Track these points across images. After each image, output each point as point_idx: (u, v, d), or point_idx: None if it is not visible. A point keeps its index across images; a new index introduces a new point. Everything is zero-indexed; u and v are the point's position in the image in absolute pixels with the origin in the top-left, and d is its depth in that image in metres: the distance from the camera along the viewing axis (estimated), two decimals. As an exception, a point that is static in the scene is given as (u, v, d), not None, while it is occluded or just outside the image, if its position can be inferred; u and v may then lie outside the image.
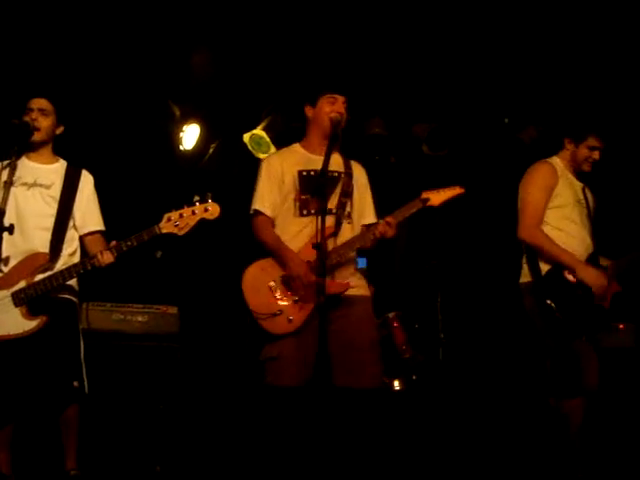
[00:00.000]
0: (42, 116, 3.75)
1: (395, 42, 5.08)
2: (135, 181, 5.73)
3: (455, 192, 3.68)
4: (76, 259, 3.80)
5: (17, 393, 3.59)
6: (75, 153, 4.02)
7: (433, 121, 5.84)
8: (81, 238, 3.85)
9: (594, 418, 3.94)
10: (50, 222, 3.73)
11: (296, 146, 3.86)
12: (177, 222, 3.54)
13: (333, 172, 3.68)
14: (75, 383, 3.61)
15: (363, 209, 3.76)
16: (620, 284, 3.98)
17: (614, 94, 5.19)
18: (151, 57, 5.22)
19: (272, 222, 3.72)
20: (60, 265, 3.69)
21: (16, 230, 3.56)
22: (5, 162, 3.66)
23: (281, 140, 5.70)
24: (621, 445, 4.56)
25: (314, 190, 3.61)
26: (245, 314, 3.63)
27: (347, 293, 3.58)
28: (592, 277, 3.88)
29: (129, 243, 3.57)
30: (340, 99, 3.71)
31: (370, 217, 3.78)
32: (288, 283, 3.58)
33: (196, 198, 3.56)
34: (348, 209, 3.67)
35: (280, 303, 3.56)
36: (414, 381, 5.27)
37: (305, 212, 3.65)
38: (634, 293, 5.37)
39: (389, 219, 3.52)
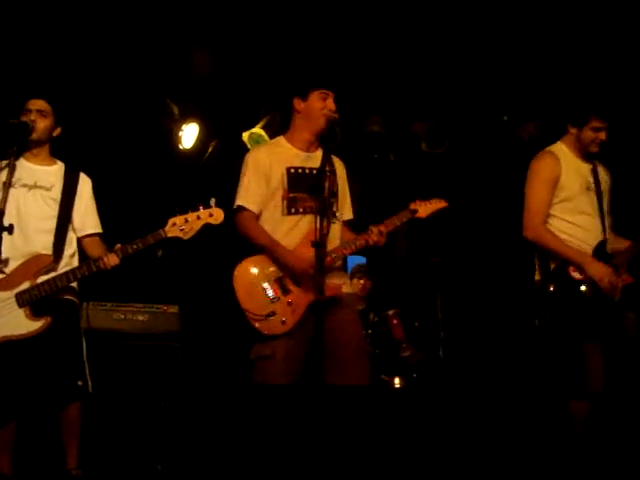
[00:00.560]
0: (40, 117, 3.75)
1: (394, 40, 5.08)
2: (134, 180, 5.73)
3: (440, 205, 3.82)
4: (75, 261, 3.82)
5: (21, 393, 3.61)
6: (74, 152, 4.02)
7: (432, 119, 5.84)
8: (79, 240, 3.86)
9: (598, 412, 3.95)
10: (52, 224, 3.74)
11: (281, 140, 3.76)
12: (182, 227, 3.59)
13: (313, 169, 3.62)
14: (79, 382, 3.63)
15: (343, 206, 3.74)
16: (632, 272, 3.89)
17: (612, 76, 5.18)
18: (149, 56, 5.21)
19: (257, 218, 3.64)
20: (62, 266, 3.71)
21: (17, 232, 3.57)
22: (4, 162, 3.67)
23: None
24: (623, 442, 4.56)
25: (306, 189, 3.58)
26: (240, 312, 3.65)
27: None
28: (599, 272, 3.80)
29: (135, 246, 3.60)
30: (331, 95, 3.65)
31: (348, 213, 3.79)
32: (282, 284, 3.57)
33: (200, 203, 3.61)
34: (334, 208, 3.63)
35: (274, 304, 3.55)
36: (414, 379, 5.28)
37: (293, 210, 3.61)
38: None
39: (382, 228, 3.55)
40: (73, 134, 4.01)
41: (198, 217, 3.59)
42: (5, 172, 3.58)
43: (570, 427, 3.87)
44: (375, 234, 3.53)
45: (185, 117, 5.83)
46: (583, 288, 3.82)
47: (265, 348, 3.55)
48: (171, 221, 3.60)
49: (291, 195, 3.61)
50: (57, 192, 3.79)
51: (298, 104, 3.67)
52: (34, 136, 3.73)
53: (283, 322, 3.52)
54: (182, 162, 5.98)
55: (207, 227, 3.63)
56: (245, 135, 5.75)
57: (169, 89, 5.66)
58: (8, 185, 3.56)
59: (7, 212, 3.49)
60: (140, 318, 5.01)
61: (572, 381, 3.83)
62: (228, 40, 5.14)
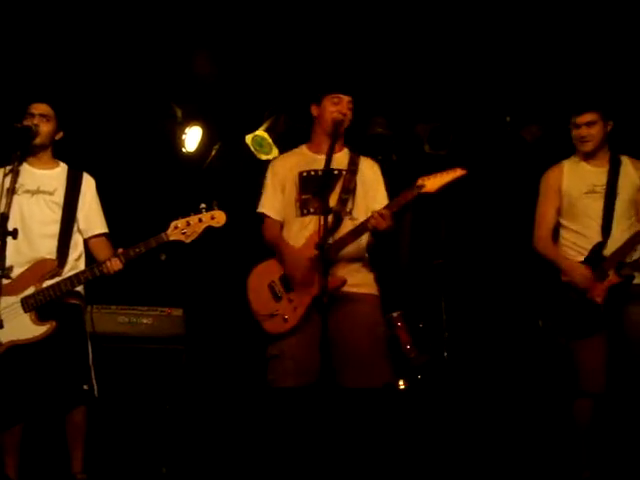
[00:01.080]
0: (44, 121, 3.76)
1: (397, 42, 5.08)
2: (137, 183, 5.74)
3: (454, 175, 3.52)
4: (81, 264, 3.83)
5: (26, 397, 3.62)
6: (77, 156, 4.04)
7: (435, 120, 5.84)
8: (86, 242, 3.88)
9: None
10: (55, 228, 3.75)
11: (302, 147, 3.90)
12: (184, 230, 3.59)
13: (333, 170, 3.68)
14: (85, 386, 3.64)
15: (372, 204, 3.71)
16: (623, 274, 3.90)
17: (615, 76, 5.17)
18: (153, 59, 5.22)
19: (280, 224, 3.77)
20: (67, 270, 3.72)
21: (22, 237, 3.57)
22: (7, 168, 3.68)
23: (283, 141, 5.70)
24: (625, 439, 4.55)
25: (314, 190, 3.66)
26: (249, 314, 3.68)
27: (349, 290, 3.59)
28: (574, 273, 3.91)
29: (137, 250, 3.61)
30: (345, 99, 3.74)
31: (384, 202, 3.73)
32: (286, 283, 3.62)
33: (202, 206, 3.60)
34: (350, 206, 3.68)
35: (277, 303, 3.61)
36: (418, 381, 5.27)
37: (305, 211, 3.69)
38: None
39: (382, 210, 3.49)
40: (77, 137, 4.02)
41: (200, 220, 3.60)
42: (9, 177, 3.59)
43: (574, 426, 3.88)
44: (374, 217, 3.48)
45: (188, 120, 5.83)
46: (570, 291, 3.93)
47: (274, 348, 3.62)
48: (173, 224, 3.61)
49: (303, 197, 3.71)
50: (60, 195, 3.81)
51: (314, 110, 3.81)
52: (37, 141, 3.75)
53: (285, 320, 3.57)
54: (185, 165, 5.98)
55: (210, 230, 3.64)
56: (248, 138, 5.75)
57: (172, 92, 5.67)
58: (12, 191, 3.57)
59: (11, 218, 3.49)
60: (144, 321, 5.01)
61: (571, 380, 3.90)
62: (231, 43, 5.14)
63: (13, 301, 3.59)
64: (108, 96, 5.40)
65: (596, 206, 4.00)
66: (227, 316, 5.55)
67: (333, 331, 3.40)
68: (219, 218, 3.60)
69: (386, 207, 3.52)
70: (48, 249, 3.72)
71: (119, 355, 4.85)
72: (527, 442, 4.68)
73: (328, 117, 3.71)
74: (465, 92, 5.56)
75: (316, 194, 3.62)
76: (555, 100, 5.37)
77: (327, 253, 3.33)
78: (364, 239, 3.68)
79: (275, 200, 3.79)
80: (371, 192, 3.76)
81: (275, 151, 5.71)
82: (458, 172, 3.52)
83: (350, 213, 3.67)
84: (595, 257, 3.94)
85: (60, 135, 3.88)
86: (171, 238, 3.60)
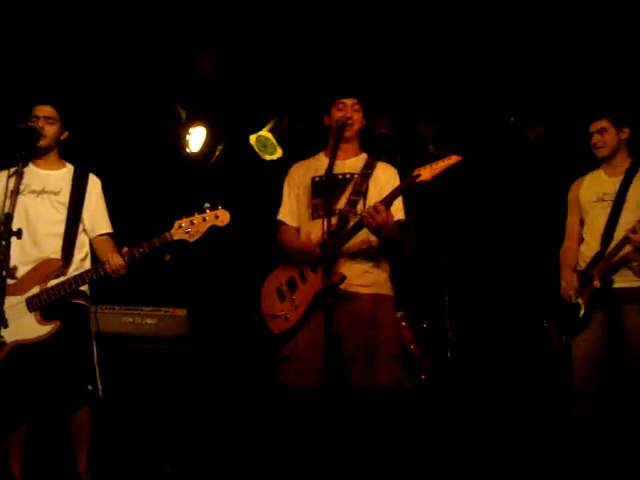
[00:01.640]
0: (48, 123, 3.78)
1: (400, 43, 5.07)
2: (142, 184, 5.75)
3: (449, 162, 3.51)
4: (87, 264, 3.84)
5: (32, 397, 3.63)
6: (82, 157, 4.05)
7: (438, 120, 5.84)
8: (91, 242, 3.90)
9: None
10: (60, 228, 3.77)
11: (320, 154, 3.94)
12: (188, 229, 3.59)
13: (345, 174, 3.74)
14: (89, 386, 3.65)
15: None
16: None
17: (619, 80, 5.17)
18: (157, 60, 5.22)
19: (296, 230, 3.83)
20: (72, 270, 3.73)
21: (27, 237, 3.61)
22: (12, 169, 3.68)
23: (287, 141, 5.71)
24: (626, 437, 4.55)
25: (320, 193, 3.70)
26: (253, 315, 3.71)
27: (359, 291, 3.62)
28: (562, 280, 4.15)
29: (141, 249, 3.61)
30: (349, 102, 3.79)
31: (398, 214, 3.75)
32: (292, 284, 3.66)
33: (206, 205, 3.60)
34: (360, 208, 3.69)
35: (282, 304, 3.66)
36: (423, 381, 5.27)
37: (315, 215, 3.73)
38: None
39: (376, 204, 3.50)
40: (82, 138, 4.03)
41: (204, 219, 3.60)
42: (14, 178, 3.60)
43: (575, 425, 3.91)
44: (366, 212, 3.50)
45: (192, 121, 5.83)
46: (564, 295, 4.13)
47: (285, 349, 3.66)
48: (177, 224, 3.61)
49: (314, 202, 3.76)
50: (65, 196, 3.82)
51: (326, 120, 3.87)
52: (43, 143, 3.76)
53: (287, 318, 3.63)
54: (189, 166, 5.99)
55: (214, 229, 3.64)
56: (252, 138, 5.75)
57: (176, 93, 5.67)
58: (16, 191, 3.59)
59: (17, 218, 3.54)
60: (149, 322, 5.01)
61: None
62: (235, 43, 5.14)
63: (18, 301, 3.61)
64: (112, 97, 5.41)
65: (603, 214, 4.05)
66: (231, 317, 5.56)
67: (342, 331, 3.47)
68: (223, 217, 3.60)
69: (381, 201, 3.53)
70: (53, 249, 3.73)
71: (123, 355, 4.85)
72: (531, 442, 4.68)
73: (334, 123, 3.75)
74: (469, 92, 5.56)
75: (321, 197, 3.65)
76: (559, 100, 5.37)
77: (329, 251, 3.34)
78: (375, 239, 3.68)
79: (290, 207, 3.86)
80: (384, 195, 3.73)
81: (279, 151, 5.71)
82: (453, 159, 3.52)
83: (358, 214, 3.68)
84: (593, 264, 4.03)
85: (65, 135, 3.89)
86: (175, 238, 3.60)
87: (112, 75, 5.26)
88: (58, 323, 3.61)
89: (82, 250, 3.84)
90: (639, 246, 3.86)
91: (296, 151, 4.31)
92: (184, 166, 5.98)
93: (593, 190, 4.15)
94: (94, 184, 3.93)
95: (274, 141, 5.71)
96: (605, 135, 4.09)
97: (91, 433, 3.72)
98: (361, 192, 3.71)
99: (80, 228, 3.83)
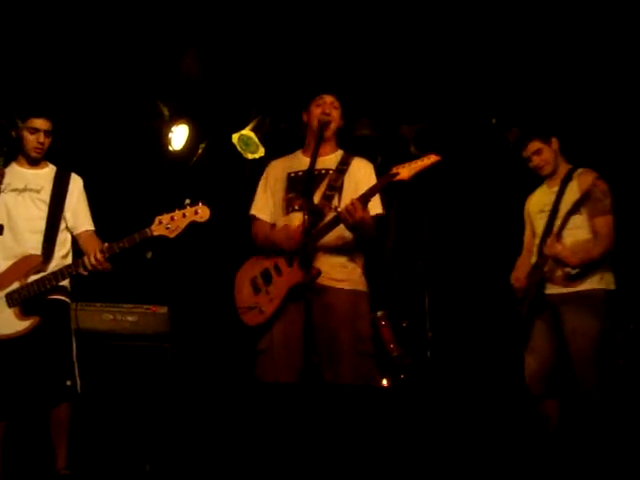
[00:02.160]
0: (47, 137, 3.85)
1: (383, 43, 5.10)
2: (124, 182, 5.74)
3: (428, 162, 3.50)
4: (69, 261, 3.86)
5: (10, 392, 3.64)
6: (64, 154, 4.06)
7: (421, 122, 5.87)
8: (75, 239, 3.92)
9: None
10: (41, 225, 3.79)
11: (297, 152, 3.97)
12: (168, 225, 3.60)
13: (320, 170, 3.75)
14: (68, 382, 3.65)
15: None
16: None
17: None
18: (139, 57, 5.22)
19: (269, 225, 3.83)
20: (53, 267, 3.75)
21: (8, 234, 3.66)
22: None
23: (269, 140, 5.72)
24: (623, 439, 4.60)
25: (298, 189, 3.72)
26: (234, 311, 3.72)
27: (333, 285, 3.63)
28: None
29: (121, 244, 3.63)
30: (328, 99, 3.81)
31: (376, 208, 3.76)
32: (267, 276, 3.67)
33: (187, 201, 3.61)
34: (335, 202, 3.70)
35: (257, 296, 3.67)
36: (402, 380, 5.30)
37: (290, 209, 3.75)
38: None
39: (353, 200, 3.50)
40: (63, 136, 4.03)
41: (184, 215, 3.62)
42: None
43: (543, 426, 3.98)
44: (343, 209, 3.51)
45: (175, 118, 5.83)
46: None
47: (261, 343, 3.68)
48: (157, 219, 3.63)
49: (288, 196, 3.78)
50: (46, 194, 3.85)
51: (304, 117, 3.89)
52: (40, 154, 3.84)
53: (261, 312, 3.63)
54: (172, 163, 5.99)
55: (194, 225, 3.65)
56: (235, 137, 5.76)
57: (159, 90, 5.67)
58: None
59: None
60: (129, 319, 5.00)
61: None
62: (218, 42, 5.15)
63: None
64: (94, 95, 5.40)
65: (542, 225, 4.17)
66: (212, 314, 5.56)
67: (315, 326, 3.48)
68: (203, 213, 3.62)
69: (358, 198, 3.53)
70: (34, 245, 3.75)
71: (104, 353, 4.83)
72: (510, 441, 4.71)
73: (314, 120, 3.77)
74: (451, 94, 5.59)
75: (299, 192, 3.67)
76: (538, 102, 5.42)
77: (305, 245, 3.38)
78: (350, 235, 3.69)
79: (265, 202, 3.87)
80: (360, 190, 3.74)
81: (261, 150, 5.72)
82: (432, 158, 3.52)
83: (335, 210, 3.68)
84: (531, 275, 4.16)
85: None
86: (155, 233, 3.62)
87: (94, 73, 5.25)
88: (37, 318, 3.62)
89: (64, 247, 3.85)
90: (557, 260, 4.01)
91: (278, 150, 4.32)
92: (166, 164, 5.98)
93: (537, 202, 4.29)
94: (76, 183, 3.96)
95: (256, 140, 5.72)
96: (542, 154, 4.19)
97: (70, 430, 3.73)
98: (336, 187, 3.73)
99: (62, 226, 3.86)
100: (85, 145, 5.39)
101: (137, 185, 5.77)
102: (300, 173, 3.79)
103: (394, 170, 3.55)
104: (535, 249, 4.18)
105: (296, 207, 3.72)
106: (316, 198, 3.67)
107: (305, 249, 3.37)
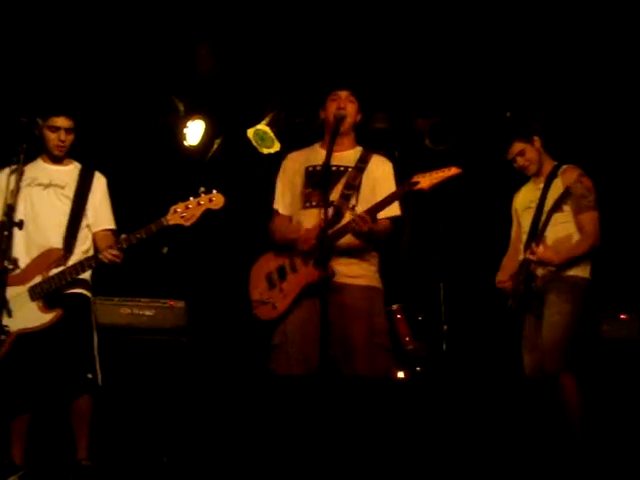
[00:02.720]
0: (68, 134, 3.89)
1: (397, 37, 5.10)
2: (140, 177, 5.77)
3: (449, 174, 3.52)
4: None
5: (34, 385, 3.69)
6: (81, 150, 4.09)
7: (435, 115, 5.87)
8: (93, 236, 3.96)
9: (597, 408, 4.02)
10: (64, 219, 3.85)
11: (315, 145, 3.97)
12: (183, 213, 3.63)
13: (339, 166, 3.75)
14: (89, 375, 3.70)
15: (368, 201, 3.72)
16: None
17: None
18: (155, 53, 5.24)
19: (289, 218, 3.85)
20: (74, 261, 3.79)
21: (31, 226, 3.72)
22: (14, 167, 3.73)
23: (285, 135, 5.74)
24: (623, 436, 4.61)
25: (315, 183, 3.73)
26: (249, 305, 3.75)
27: (348, 282, 3.64)
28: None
29: (138, 235, 3.67)
30: (343, 94, 3.80)
31: (393, 211, 3.76)
32: (282, 272, 3.69)
33: (201, 189, 3.64)
34: (353, 202, 3.71)
35: (271, 291, 3.70)
36: (418, 372, 5.32)
37: (307, 204, 3.76)
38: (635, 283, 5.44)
39: (362, 214, 3.54)
40: (80, 132, 4.07)
41: (199, 203, 3.64)
42: (17, 174, 3.67)
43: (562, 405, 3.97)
44: (352, 220, 3.54)
45: (190, 114, 5.85)
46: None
47: (276, 337, 3.70)
48: (172, 209, 3.66)
49: (307, 191, 3.78)
50: (71, 190, 3.92)
51: (322, 114, 3.89)
52: (62, 152, 3.88)
53: (274, 307, 3.66)
54: (187, 159, 6.01)
55: (211, 216, 3.68)
56: (250, 132, 5.78)
57: (174, 86, 5.69)
58: (17, 181, 3.65)
59: (23, 208, 3.69)
60: (147, 313, 5.04)
61: None
62: (233, 36, 5.16)
63: (21, 290, 3.68)
64: (110, 91, 5.43)
65: (528, 222, 4.18)
66: (229, 308, 5.59)
67: (331, 321, 3.46)
68: (217, 200, 3.64)
69: (367, 210, 3.56)
70: (56, 238, 3.81)
71: (121, 347, 4.87)
72: (525, 435, 4.72)
73: (330, 115, 3.78)
74: (466, 87, 5.59)
75: (316, 187, 3.69)
76: (557, 95, 5.42)
77: (325, 244, 3.39)
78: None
79: (283, 196, 3.89)
80: (378, 189, 3.77)
81: (277, 145, 5.73)
82: (453, 171, 3.54)
83: (353, 209, 3.70)
84: (518, 271, 4.18)
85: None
86: (171, 222, 3.65)
87: (110, 69, 5.27)
88: (60, 311, 3.67)
89: (84, 243, 3.91)
90: (541, 263, 4.02)
91: (294, 145, 4.33)
92: (182, 159, 6.00)
93: (524, 199, 4.30)
94: (99, 181, 4.03)
95: (272, 135, 5.73)
96: (526, 154, 4.19)
97: (91, 421, 3.77)
98: (354, 186, 3.73)
99: (84, 222, 3.91)
100: (101, 141, 5.41)
101: (153, 181, 5.79)
102: (318, 168, 3.78)
103: (414, 179, 3.55)
104: (522, 246, 4.20)
105: (313, 203, 3.73)
106: (334, 196, 3.69)
107: (321, 249, 3.37)
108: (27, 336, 3.65)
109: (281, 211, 3.88)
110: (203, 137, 5.90)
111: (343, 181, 3.74)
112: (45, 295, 3.69)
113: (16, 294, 3.65)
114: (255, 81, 5.55)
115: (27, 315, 3.65)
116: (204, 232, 4.24)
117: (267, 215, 3.99)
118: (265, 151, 5.79)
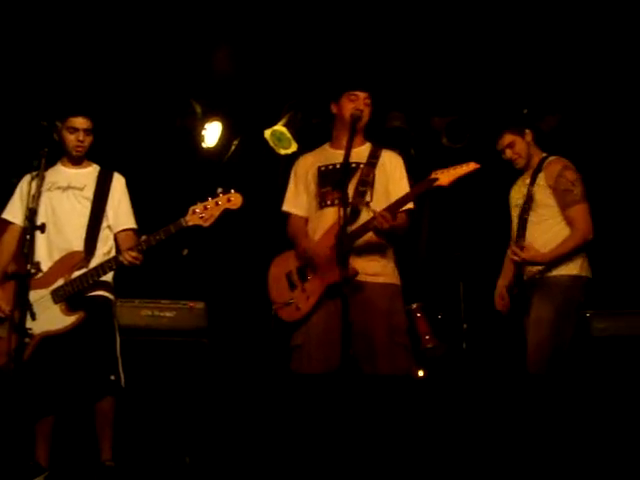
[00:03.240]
0: (87, 135, 3.91)
1: (414, 36, 5.10)
2: (159, 179, 5.80)
3: (467, 169, 3.55)
4: None
5: (58, 387, 3.72)
6: (100, 153, 4.12)
7: (452, 113, 5.86)
8: (115, 236, 3.98)
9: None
10: (84, 221, 3.88)
11: (325, 145, 3.98)
12: (202, 214, 3.65)
13: (351, 163, 3.73)
14: (112, 377, 3.73)
15: (393, 196, 3.74)
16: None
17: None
18: (172, 55, 5.27)
19: (304, 220, 3.87)
20: (95, 263, 3.81)
21: (52, 229, 3.75)
22: (34, 172, 3.76)
23: (302, 136, 5.74)
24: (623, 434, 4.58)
25: (331, 183, 3.73)
26: (269, 305, 3.76)
27: (367, 280, 3.66)
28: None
29: (157, 237, 3.69)
30: (361, 96, 3.80)
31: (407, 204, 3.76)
32: (302, 273, 3.72)
33: (219, 190, 3.66)
34: (368, 198, 3.73)
35: (292, 292, 3.72)
36: (437, 371, 5.31)
37: (323, 204, 3.78)
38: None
39: (382, 212, 3.55)
40: (98, 135, 4.10)
41: (217, 203, 3.66)
42: (38, 178, 3.70)
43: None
44: (373, 218, 3.56)
45: (208, 115, 5.87)
46: None
47: (297, 337, 3.72)
48: (191, 209, 3.68)
49: (322, 191, 3.80)
50: (90, 191, 3.94)
51: (333, 108, 3.88)
52: (81, 152, 3.90)
53: (298, 308, 3.68)
54: (205, 160, 6.04)
55: (228, 214, 3.69)
56: (267, 133, 5.79)
57: (192, 88, 5.72)
58: (39, 186, 3.68)
59: (43, 212, 3.70)
60: (167, 315, 5.07)
61: None
62: (250, 38, 5.18)
63: (44, 293, 3.72)
64: (129, 94, 5.47)
65: (516, 216, 4.13)
66: (248, 308, 5.61)
67: (352, 320, 3.46)
68: (235, 200, 3.66)
69: (387, 208, 3.58)
70: (76, 240, 3.84)
71: (142, 348, 4.90)
72: (544, 432, 4.70)
73: (346, 114, 3.77)
74: (482, 85, 5.58)
75: (335, 186, 3.68)
76: (573, 91, 5.39)
77: (344, 243, 3.39)
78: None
79: (297, 197, 3.90)
80: (392, 184, 3.79)
81: (294, 146, 5.74)
82: (472, 166, 3.56)
83: (368, 205, 3.72)
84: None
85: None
86: (190, 223, 3.67)
87: (128, 72, 5.31)
88: (82, 313, 3.71)
89: (106, 244, 3.93)
90: (526, 263, 3.97)
91: (311, 146, 4.34)
92: (200, 161, 6.03)
93: (514, 196, 4.22)
94: (118, 182, 4.04)
95: (289, 135, 5.74)
96: (515, 147, 4.12)
97: (114, 423, 3.80)
98: (368, 182, 3.75)
99: (104, 224, 3.93)
100: (119, 144, 5.45)
101: (172, 182, 5.82)
102: (331, 167, 3.81)
103: (433, 175, 3.57)
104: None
105: (329, 202, 3.75)
106: (349, 192, 3.68)
107: (341, 248, 3.36)
108: (51, 339, 3.68)
109: (296, 212, 3.89)
110: (221, 138, 5.93)
111: (356, 178, 3.75)
112: (68, 298, 3.72)
113: (39, 297, 3.69)
114: (272, 82, 5.57)
115: (50, 318, 3.68)
116: (223, 233, 4.25)
117: (285, 215, 4.00)
118: (282, 152, 5.80)
